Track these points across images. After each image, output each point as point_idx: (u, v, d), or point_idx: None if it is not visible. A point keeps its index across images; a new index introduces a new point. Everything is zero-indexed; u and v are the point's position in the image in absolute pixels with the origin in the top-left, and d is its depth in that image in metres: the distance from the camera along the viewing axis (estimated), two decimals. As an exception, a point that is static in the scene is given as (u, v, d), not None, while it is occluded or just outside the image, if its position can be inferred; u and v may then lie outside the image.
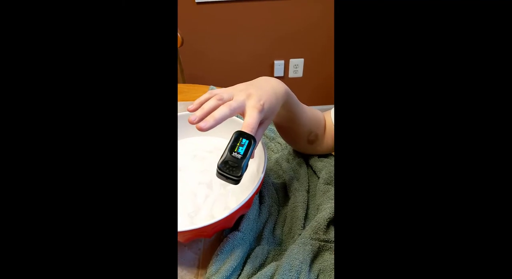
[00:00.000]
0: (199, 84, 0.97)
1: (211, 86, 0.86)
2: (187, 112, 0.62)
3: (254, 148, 0.41)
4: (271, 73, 1.80)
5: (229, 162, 0.39)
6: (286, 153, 0.68)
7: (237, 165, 0.39)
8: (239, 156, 0.39)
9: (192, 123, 0.40)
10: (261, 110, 0.42)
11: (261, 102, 0.43)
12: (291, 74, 1.81)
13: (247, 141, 0.40)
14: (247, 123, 0.41)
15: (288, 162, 0.65)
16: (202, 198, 0.52)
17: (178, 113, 0.62)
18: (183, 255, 0.52)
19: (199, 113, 0.41)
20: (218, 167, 0.39)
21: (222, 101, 0.42)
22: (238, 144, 0.40)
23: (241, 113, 0.43)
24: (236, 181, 0.39)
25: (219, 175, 0.39)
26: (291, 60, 1.76)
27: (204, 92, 0.96)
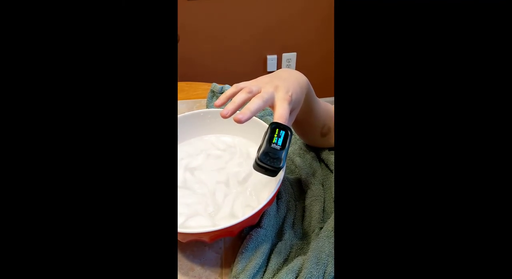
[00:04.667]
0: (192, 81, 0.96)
1: (214, 84, 0.86)
2: (196, 112, 0.62)
3: (291, 139, 0.40)
4: (264, 68, 1.79)
5: (269, 153, 0.38)
6: (296, 148, 0.68)
7: (277, 156, 0.38)
8: (278, 147, 0.39)
9: (225, 117, 0.40)
10: (290, 102, 0.42)
11: (289, 94, 0.43)
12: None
13: (284, 132, 0.40)
14: (280, 115, 0.40)
15: (300, 157, 0.65)
16: (222, 197, 0.52)
17: (188, 113, 0.61)
18: (205, 255, 0.52)
19: (231, 106, 0.41)
20: (258, 158, 0.38)
21: (252, 94, 0.42)
22: (275, 135, 0.39)
23: (271, 106, 0.43)
24: (276, 172, 0.39)
25: (258, 167, 0.39)
26: (283, 54, 1.76)
27: (205, 90, 0.95)
